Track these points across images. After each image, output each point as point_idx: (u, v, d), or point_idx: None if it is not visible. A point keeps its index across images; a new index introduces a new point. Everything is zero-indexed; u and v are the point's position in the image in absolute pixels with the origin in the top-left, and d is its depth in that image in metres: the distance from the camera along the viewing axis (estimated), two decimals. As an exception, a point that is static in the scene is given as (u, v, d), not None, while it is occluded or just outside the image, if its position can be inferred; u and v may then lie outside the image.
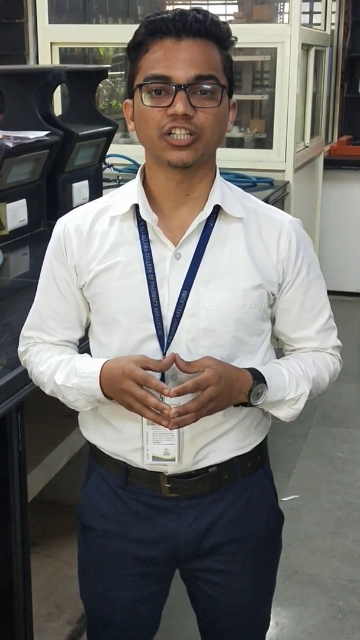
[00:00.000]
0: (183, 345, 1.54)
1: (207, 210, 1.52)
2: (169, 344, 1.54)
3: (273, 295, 1.59)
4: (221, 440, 1.60)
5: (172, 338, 1.54)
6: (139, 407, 1.48)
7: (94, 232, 1.57)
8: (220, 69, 1.45)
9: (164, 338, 1.54)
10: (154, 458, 1.59)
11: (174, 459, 1.58)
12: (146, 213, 1.52)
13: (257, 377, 1.54)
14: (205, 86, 1.42)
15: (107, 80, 5.32)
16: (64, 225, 1.60)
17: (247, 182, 4.47)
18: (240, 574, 1.72)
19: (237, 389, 1.51)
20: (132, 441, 1.60)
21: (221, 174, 1.60)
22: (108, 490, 1.70)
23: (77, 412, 1.75)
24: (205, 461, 1.61)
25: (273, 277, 1.57)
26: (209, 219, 1.53)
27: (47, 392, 1.68)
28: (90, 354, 1.66)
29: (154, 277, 1.53)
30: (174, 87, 1.40)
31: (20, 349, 1.74)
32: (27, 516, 2.23)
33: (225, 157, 4.18)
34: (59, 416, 2.69)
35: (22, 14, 6.68)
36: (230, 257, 1.54)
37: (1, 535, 2.16)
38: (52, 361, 1.64)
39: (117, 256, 1.55)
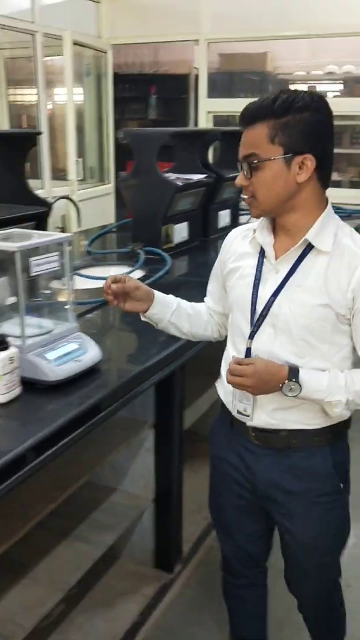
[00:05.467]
0: (265, 337, 1.48)
1: (302, 245, 1.45)
2: (254, 333, 1.50)
3: (344, 316, 1.44)
4: (290, 412, 1.50)
5: (257, 329, 1.49)
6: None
7: (237, 242, 1.58)
8: (265, 143, 1.36)
9: (251, 328, 1.50)
10: (237, 412, 1.57)
11: (249, 416, 1.54)
12: (260, 236, 1.49)
13: (293, 376, 1.43)
14: (249, 162, 1.38)
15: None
16: (229, 234, 1.62)
17: (343, 213, 4.34)
18: (301, 520, 1.58)
19: (275, 381, 1.43)
20: (232, 396, 1.58)
21: None
22: (223, 427, 1.66)
23: (217, 370, 1.71)
24: (278, 425, 1.52)
25: (342, 302, 1.42)
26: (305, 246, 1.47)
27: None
28: None
29: (258, 282, 1.49)
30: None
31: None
32: (183, 442, 2.29)
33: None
34: (204, 374, 2.73)
35: (186, 91, 6.77)
36: (313, 278, 1.44)
37: (165, 454, 2.23)
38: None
39: (241, 261, 1.54)
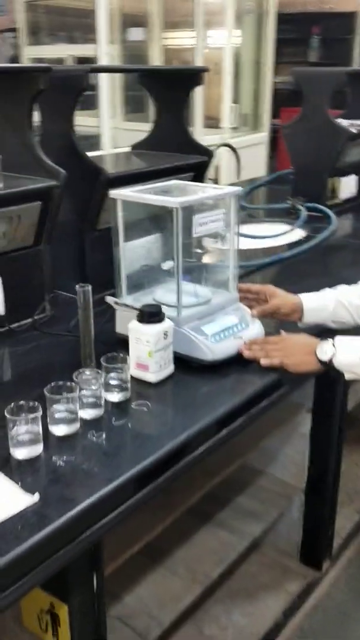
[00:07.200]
0: None
1: None
2: None
3: None
4: None
5: None
6: None
7: None
8: None
9: None
10: None
11: None
12: None
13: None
14: None
15: None
16: None
17: None
18: None
19: (307, 347, 1.31)
20: None
21: None
22: None
23: None
24: None
25: None
26: None
27: None
28: None
29: None
30: None
31: None
32: (344, 428, 2.01)
33: None
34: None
35: (351, 31, 6.18)
36: None
37: (323, 441, 1.97)
38: None
39: None
